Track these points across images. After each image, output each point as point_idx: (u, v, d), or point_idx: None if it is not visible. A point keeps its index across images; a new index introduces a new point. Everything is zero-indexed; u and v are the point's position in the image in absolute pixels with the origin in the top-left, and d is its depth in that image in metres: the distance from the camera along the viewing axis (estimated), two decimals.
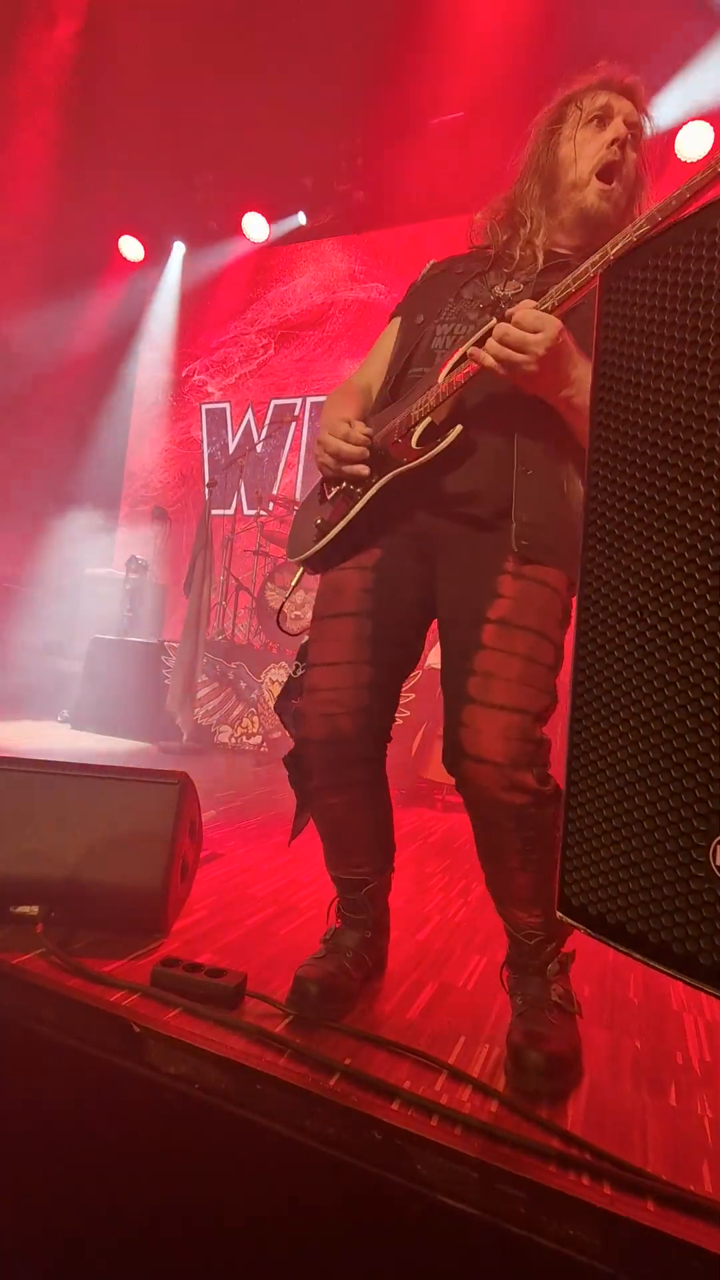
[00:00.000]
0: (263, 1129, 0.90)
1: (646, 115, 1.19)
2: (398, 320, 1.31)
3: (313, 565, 1.25)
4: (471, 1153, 0.83)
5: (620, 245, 0.95)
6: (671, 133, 4.09)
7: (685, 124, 4.05)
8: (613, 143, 1.14)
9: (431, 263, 1.34)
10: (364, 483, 1.16)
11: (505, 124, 1.35)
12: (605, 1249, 0.75)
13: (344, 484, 1.19)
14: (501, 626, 1.05)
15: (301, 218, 5.53)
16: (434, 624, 1.24)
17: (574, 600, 0.90)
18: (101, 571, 5.26)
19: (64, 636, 5.08)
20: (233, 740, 3.83)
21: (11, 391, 5.33)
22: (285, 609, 4.14)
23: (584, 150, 1.16)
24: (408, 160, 4.56)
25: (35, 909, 1.27)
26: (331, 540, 1.18)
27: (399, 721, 1.37)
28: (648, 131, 1.19)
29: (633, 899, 0.43)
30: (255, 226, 5.60)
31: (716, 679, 0.40)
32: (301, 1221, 0.88)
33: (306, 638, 1.24)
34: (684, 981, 0.40)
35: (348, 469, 1.15)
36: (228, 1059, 0.96)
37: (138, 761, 3.08)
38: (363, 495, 1.15)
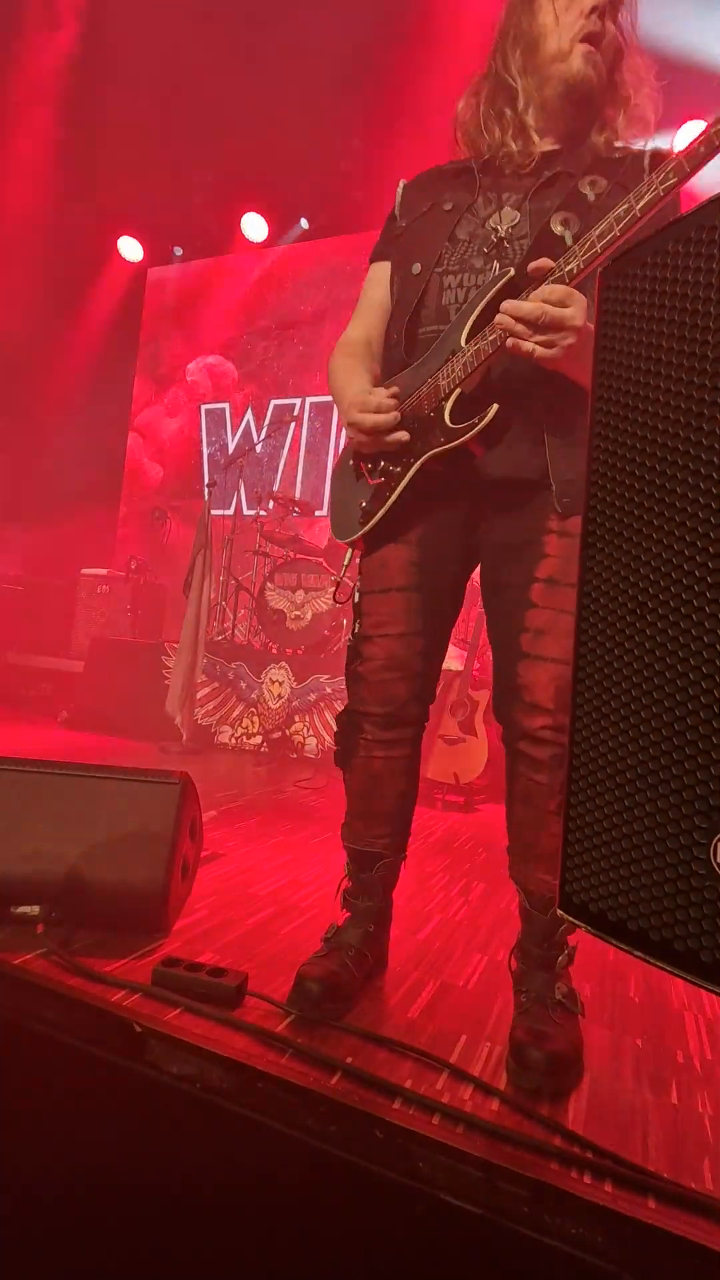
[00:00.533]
0: (264, 1128, 0.90)
1: None
2: (385, 266, 1.28)
3: (358, 545, 1.27)
4: (473, 1151, 0.83)
5: (645, 198, 0.91)
6: (672, 131, 4.09)
7: (685, 123, 4.05)
8: (592, 11, 1.09)
9: (403, 185, 1.29)
10: (402, 461, 1.16)
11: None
12: (607, 1247, 0.75)
13: (381, 462, 1.19)
14: (549, 585, 1.11)
15: (304, 223, 5.53)
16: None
17: None
18: (101, 571, 5.26)
19: (64, 637, 5.08)
20: (233, 740, 3.83)
21: (11, 391, 5.33)
22: (286, 609, 4.14)
23: (564, 18, 1.11)
24: (406, 159, 4.56)
25: (36, 909, 1.27)
26: (377, 523, 1.21)
27: None
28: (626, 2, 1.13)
29: (634, 896, 0.43)
30: (254, 226, 5.60)
31: (717, 676, 0.40)
32: (303, 1220, 0.88)
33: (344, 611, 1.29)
34: (685, 979, 0.40)
35: (389, 439, 1.15)
36: (229, 1058, 0.96)
37: (138, 762, 3.08)
38: (402, 475, 1.16)
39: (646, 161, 1.11)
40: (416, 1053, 1.04)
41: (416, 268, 1.19)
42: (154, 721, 3.74)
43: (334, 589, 1.38)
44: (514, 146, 1.15)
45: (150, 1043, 0.99)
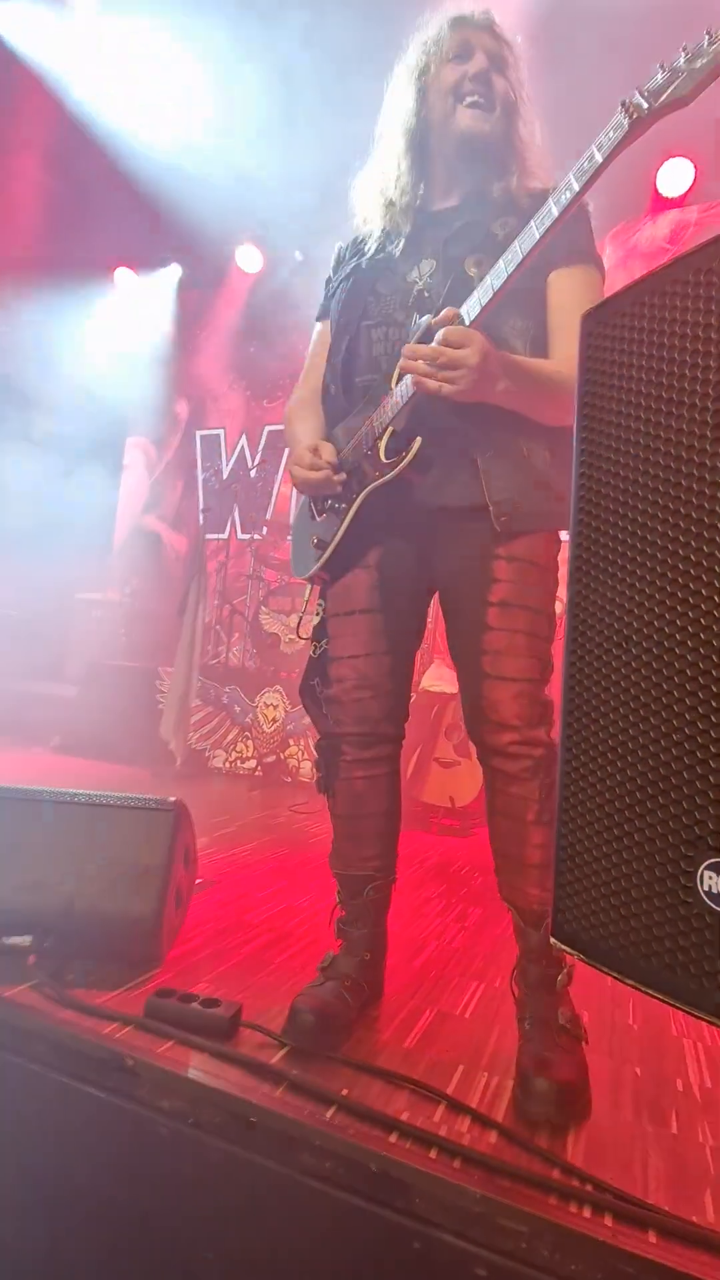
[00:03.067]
0: (258, 1166, 0.88)
1: (507, 43, 1.23)
2: (326, 324, 1.37)
3: (318, 579, 1.34)
4: (471, 1186, 0.82)
5: (541, 233, 1.01)
6: (653, 169, 4.22)
7: (666, 160, 4.18)
8: (476, 76, 1.19)
9: (339, 246, 1.38)
10: (346, 498, 1.25)
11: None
12: None
13: (329, 501, 1.28)
14: (503, 608, 1.16)
15: (299, 255, 5.64)
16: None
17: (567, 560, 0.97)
18: (95, 596, 5.26)
19: (57, 662, 5.07)
20: (227, 765, 3.80)
21: (5, 417, 5.38)
22: (280, 633, 4.15)
23: (448, 83, 1.20)
24: None
25: (28, 939, 1.26)
26: (330, 555, 1.28)
27: None
28: (512, 58, 1.23)
29: (624, 925, 0.43)
30: (249, 258, 5.71)
31: (700, 708, 0.41)
32: (299, 1258, 0.86)
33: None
34: (674, 1006, 0.40)
35: (325, 490, 1.26)
36: (223, 1092, 0.95)
37: (131, 787, 3.05)
38: (347, 511, 1.25)
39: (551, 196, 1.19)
40: (413, 1084, 1.02)
41: (345, 322, 1.28)
42: (148, 746, 3.72)
43: (297, 625, 1.44)
44: (397, 209, 1.25)
45: (142, 1077, 0.98)
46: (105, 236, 5.58)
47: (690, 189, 4.23)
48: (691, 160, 4.17)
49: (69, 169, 4.79)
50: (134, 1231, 0.95)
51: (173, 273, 6.21)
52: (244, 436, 6.08)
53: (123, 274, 6.22)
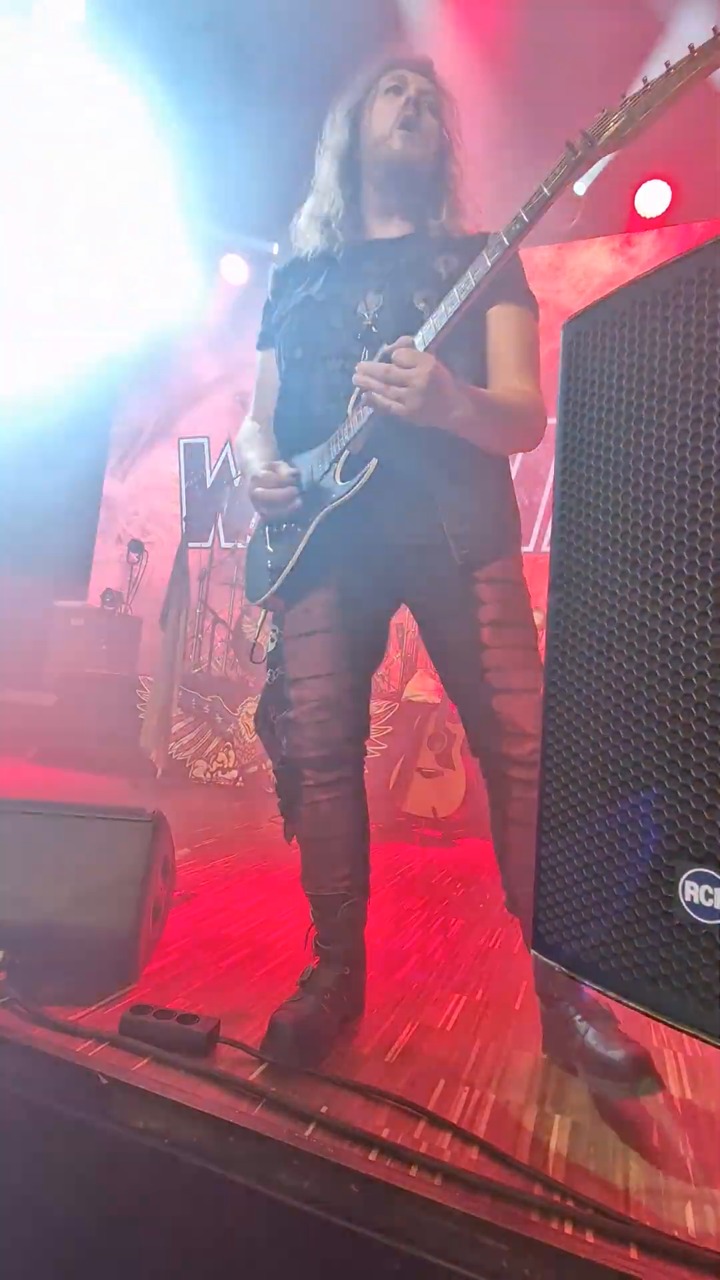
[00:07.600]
0: (236, 1185, 0.86)
1: (444, 90, 1.28)
2: (272, 353, 1.37)
3: (272, 604, 1.32)
4: (452, 1203, 0.81)
5: (479, 272, 1.04)
6: (631, 190, 4.33)
7: (643, 182, 4.29)
8: (407, 102, 1.23)
9: (274, 271, 1.40)
10: (302, 521, 1.24)
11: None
12: None
13: (284, 525, 1.28)
14: (495, 627, 1.19)
15: (275, 248, 5.65)
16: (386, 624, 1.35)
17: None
18: (76, 604, 5.20)
19: (35, 670, 5.00)
20: (208, 775, 3.77)
21: None
22: (264, 641, 4.14)
23: (382, 112, 1.25)
24: None
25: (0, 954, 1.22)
26: (285, 579, 1.27)
27: (376, 755, 1.39)
28: (448, 103, 1.28)
29: (605, 936, 0.43)
30: (233, 269, 5.73)
31: (681, 716, 0.41)
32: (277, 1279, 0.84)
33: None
34: (654, 1018, 0.40)
35: (286, 509, 1.24)
36: (199, 1111, 0.93)
37: (110, 798, 3.01)
38: (303, 534, 1.24)
39: (487, 241, 1.24)
40: (393, 1100, 1.01)
41: (299, 353, 1.29)
42: (127, 756, 3.67)
43: (250, 651, 1.43)
44: (339, 240, 1.28)
45: (116, 1095, 0.95)
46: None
47: (668, 210, 4.36)
48: (669, 182, 4.29)
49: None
50: (108, 1253, 0.92)
51: (155, 282, 6.20)
52: (228, 445, 6.07)
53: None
